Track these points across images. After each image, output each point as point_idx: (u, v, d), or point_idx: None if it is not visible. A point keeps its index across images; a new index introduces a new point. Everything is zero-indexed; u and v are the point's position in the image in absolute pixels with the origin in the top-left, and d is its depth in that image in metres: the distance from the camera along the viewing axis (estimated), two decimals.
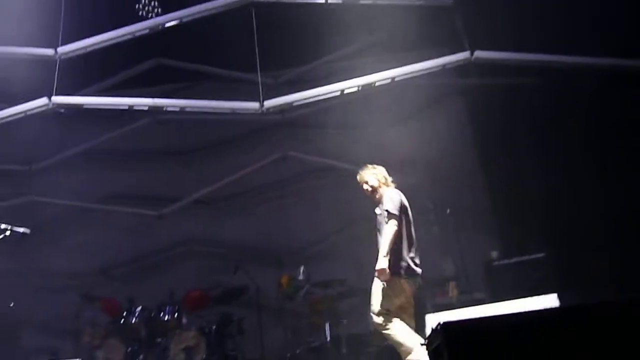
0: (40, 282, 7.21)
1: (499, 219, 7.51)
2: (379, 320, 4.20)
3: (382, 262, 4.07)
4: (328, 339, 6.37)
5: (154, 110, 7.00)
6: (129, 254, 7.71)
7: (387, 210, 4.26)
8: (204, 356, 6.30)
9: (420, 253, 4.49)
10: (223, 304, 6.90)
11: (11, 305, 6.60)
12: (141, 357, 6.36)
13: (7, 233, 4.16)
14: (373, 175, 4.58)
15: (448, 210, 6.81)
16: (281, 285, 6.85)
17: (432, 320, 4.36)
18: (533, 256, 6.23)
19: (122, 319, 6.54)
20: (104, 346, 6.33)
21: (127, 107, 6.56)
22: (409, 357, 4.07)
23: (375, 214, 4.48)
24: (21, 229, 4.28)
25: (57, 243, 7.15)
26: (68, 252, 7.22)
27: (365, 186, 4.59)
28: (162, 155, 8.34)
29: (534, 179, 6.89)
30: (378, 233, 4.39)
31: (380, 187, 4.56)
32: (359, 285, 6.79)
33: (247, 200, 8.12)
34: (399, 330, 4.09)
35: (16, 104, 6.20)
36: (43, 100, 6.16)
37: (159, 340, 6.51)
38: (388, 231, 4.16)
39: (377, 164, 4.75)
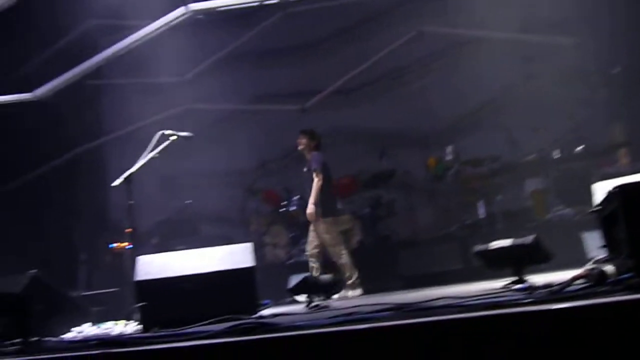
0: (209, 181, 7.96)
1: None
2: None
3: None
4: (482, 216, 6.22)
5: (283, 4, 6.90)
6: (281, 149, 8.08)
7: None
8: (360, 238, 6.58)
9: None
10: (372, 189, 7.03)
11: (189, 202, 7.47)
12: (302, 241, 6.86)
13: (173, 138, 4.52)
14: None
15: (616, 70, 5.92)
16: (428, 167, 6.73)
17: (601, 188, 3.94)
18: None
19: (282, 208, 7.04)
20: (269, 232, 6.94)
21: (257, 4, 6.53)
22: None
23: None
24: (184, 134, 4.62)
25: (217, 144, 7.68)
26: (228, 151, 7.74)
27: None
28: (298, 50, 8.33)
29: None
30: None
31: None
32: (512, 160, 6.40)
33: (386, 84, 7.88)
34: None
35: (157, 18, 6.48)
36: (181, 10, 6.38)
37: None
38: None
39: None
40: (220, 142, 7.77)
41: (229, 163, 7.86)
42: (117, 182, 4.21)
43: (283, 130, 8.01)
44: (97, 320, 4.01)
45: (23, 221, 7.58)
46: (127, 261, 6.96)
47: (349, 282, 5.18)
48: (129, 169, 4.36)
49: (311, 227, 5.46)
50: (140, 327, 3.34)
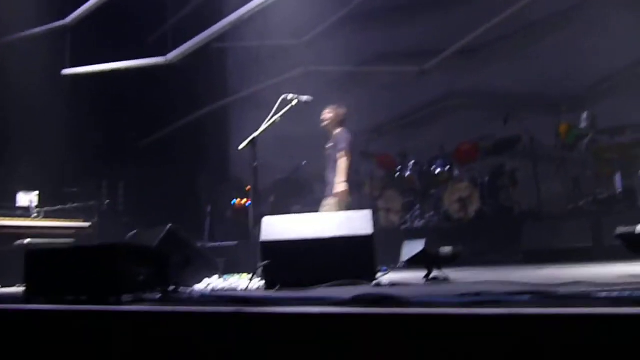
0: (325, 142, 8.01)
1: None
2: None
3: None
4: (619, 190, 5.65)
5: None
6: (397, 111, 7.92)
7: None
8: (478, 207, 6.32)
9: None
10: (494, 156, 6.67)
11: (305, 163, 7.63)
12: (417, 206, 6.75)
13: (294, 103, 4.59)
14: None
15: None
16: (559, 134, 6.20)
17: None
18: None
19: (397, 173, 6.94)
20: (383, 197, 6.90)
21: None
22: None
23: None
24: (305, 98, 4.67)
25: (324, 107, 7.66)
26: None
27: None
28: (418, 7, 7.97)
29: None
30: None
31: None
32: None
33: (515, 41, 7.30)
34: None
35: None
36: None
37: (432, 191, 6.76)
38: None
39: None
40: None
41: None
42: (242, 146, 4.36)
43: (400, 92, 7.83)
44: (223, 272, 4.30)
45: (155, 175, 8.31)
46: (247, 217, 7.44)
47: None
48: (250, 129, 4.52)
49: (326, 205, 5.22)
50: (262, 283, 3.50)
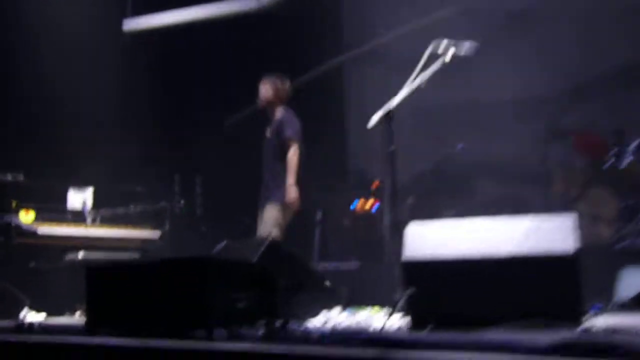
0: (490, 115, 7.86)
1: None
2: None
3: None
4: None
5: None
6: (609, 63, 7.49)
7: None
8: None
9: None
10: None
11: (461, 146, 7.53)
12: None
13: (449, 55, 4.53)
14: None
15: None
16: None
17: None
18: None
19: (609, 161, 6.65)
20: (586, 197, 6.62)
21: None
22: None
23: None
24: (466, 45, 4.56)
25: (503, 59, 7.46)
26: (519, 69, 7.45)
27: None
28: None
29: None
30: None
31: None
32: None
33: None
34: None
35: None
36: None
37: None
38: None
39: None
40: (508, 56, 7.57)
41: (522, 87, 7.63)
42: (373, 122, 4.41)
43: (614, 33, 7.42)
44: (347, 304, 4.39)
45: (243, 167, 8.61)
46: (374, 226, 7.50)
47: None
48: (378, 98, 4.57)
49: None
50: (406, 321, 3.53)
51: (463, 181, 7.60)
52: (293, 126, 5.60)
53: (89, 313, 3.47)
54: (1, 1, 8.05)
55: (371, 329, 3.51)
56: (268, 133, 5.81)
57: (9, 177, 6.77)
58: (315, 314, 3.96)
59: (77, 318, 5.78)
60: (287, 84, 5.84)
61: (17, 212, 6.68)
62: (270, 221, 5.42)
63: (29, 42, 7.93)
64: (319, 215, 7.87)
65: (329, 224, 8.00)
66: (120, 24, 8.68)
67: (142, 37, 8.68)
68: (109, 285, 3.48)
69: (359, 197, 8.01)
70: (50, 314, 5.86)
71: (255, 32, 8.44)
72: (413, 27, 8.06)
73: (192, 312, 3.09)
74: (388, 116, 4.41)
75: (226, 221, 7.89)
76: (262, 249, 3.98)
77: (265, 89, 5.85)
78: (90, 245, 6.52)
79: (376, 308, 4.33)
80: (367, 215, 7.79)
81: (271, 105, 5.83)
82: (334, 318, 3.99)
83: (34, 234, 6.56)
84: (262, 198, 5.76)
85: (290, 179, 5.45)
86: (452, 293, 3.44)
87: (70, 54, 7.95)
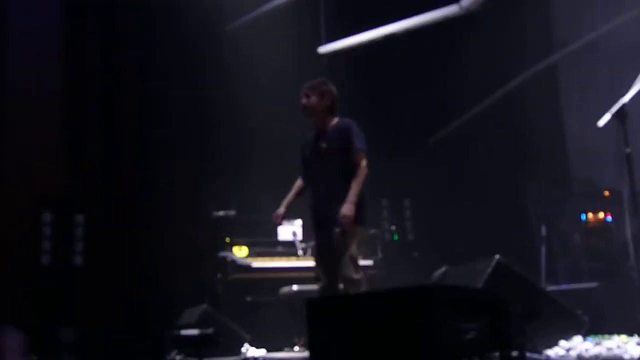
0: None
1: None
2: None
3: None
4: None
5: None
6: None
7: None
8: None
9: None
10: None
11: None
12: None
13: None
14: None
15: None
16: None
17: None
18: None
19: None
20: None
21: None
22: None
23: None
24: None
25: None
26: None
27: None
28: None
29: None
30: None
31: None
32: None
33: None
34: None
35: None
36: None
37: None
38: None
39: None
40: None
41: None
42: (603, 120, 4.21)
43: None
44: (588, 332, 4.09)
45: (452, 185, 8.43)
46: (611, 240, 6.98)
47: None
48: (601, 95, 4.28)
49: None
50: None
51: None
52: (361, 137, 5.25)
53: (311, 348, 3.46)
54: (219, 54, 8.58)
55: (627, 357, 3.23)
56: (324, 143, 5.46)
57: (222, 213, 7.15)
58: (553, 343, 3.71)
59: (297, 352, 5.90)
60: (333, 92, 5.51)
61: (231, 248, 7.04)
62: (354, 241, 5.08)
63: (241, 82, 8.30)
64: (543, 231, 7.50)
65: (557, 239, 7.60)
66: (315, 51, 8.87)
67: (337, 57, 8.81)
68: (330, 319, 3.45)
69: (589, 209, 7.53)
70: (269, 349, 6.04)
71: (459, 39, 8.31)
72: (634, 15, 7.59)
73: (419, 345, 2.97)
74: (621, 114, 4.10)
75: (438, 245, 7.74)
76: (489, 271, 3.79)
77: (320, 96, 5.46)
78: (303, 277, 6.61)
79: (624, 337, 4.00)
80: (601, 227, 7.27)
81: (323, 113, 5.43)
82: (576, 347, 3.72)
83: (248, 269, 6.86)
84: (328, 213, 5.27)
85: (355, 196, 5.09)
86: None
87: (274, 94, 8.16)
